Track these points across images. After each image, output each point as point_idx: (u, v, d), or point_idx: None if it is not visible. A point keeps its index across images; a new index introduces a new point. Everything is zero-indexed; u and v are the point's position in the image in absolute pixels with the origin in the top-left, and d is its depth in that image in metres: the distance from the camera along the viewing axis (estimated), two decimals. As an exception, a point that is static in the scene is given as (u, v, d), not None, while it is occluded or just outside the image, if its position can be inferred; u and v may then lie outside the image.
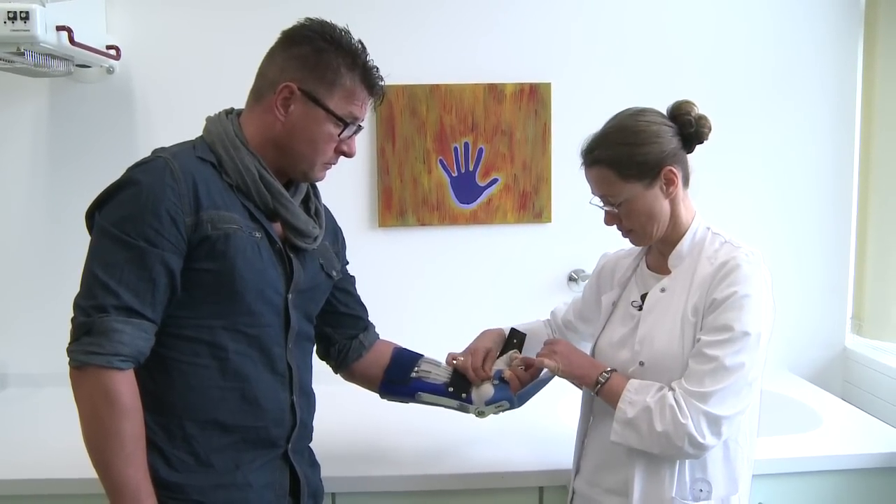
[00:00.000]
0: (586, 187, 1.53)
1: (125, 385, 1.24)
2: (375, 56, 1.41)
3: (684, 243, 1.49)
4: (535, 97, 2.41)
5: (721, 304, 1.37)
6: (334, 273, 1.57)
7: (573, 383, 1.56)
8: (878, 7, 2.46)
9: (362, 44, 1.40)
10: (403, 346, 1.76)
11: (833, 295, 2.58)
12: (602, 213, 1.53)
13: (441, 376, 1.69)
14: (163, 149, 1.36)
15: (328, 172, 1.46)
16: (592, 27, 2.44)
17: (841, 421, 2.08)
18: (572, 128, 2.41)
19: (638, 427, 1.38)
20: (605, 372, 1.46)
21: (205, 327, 1.33)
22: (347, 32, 1.39)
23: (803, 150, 2.52)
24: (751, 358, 1.35)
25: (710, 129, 1.48)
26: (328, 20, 1.40)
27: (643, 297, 1.53)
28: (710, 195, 2.31)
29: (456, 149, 2.42)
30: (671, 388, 1.38)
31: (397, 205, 2.42)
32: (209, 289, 1.32)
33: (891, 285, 2.47)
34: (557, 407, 2.07)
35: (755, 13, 2.48)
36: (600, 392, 1.46)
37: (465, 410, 1.67)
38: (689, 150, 1.50)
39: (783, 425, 1.96)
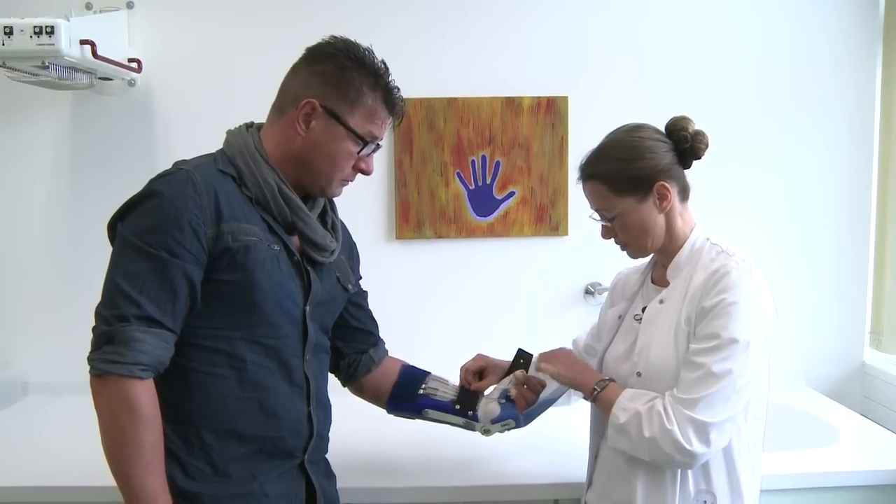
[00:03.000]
0: None
1: (145, 394, 1.25)
2: (393, 69, 1.43)
3: (682, 254, 1.50)
4: (552, 110, 2.42)
5: (710, 311, 1.38)
6: (350, 286, 1.59)
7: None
8: (896, 21, 2.45)
9: (385, 64, 1.42)
10: (411, 364, 1.76)
11: (851, 309, 2.57)
12: (600, 228, 1.56)
13: (448, 394, 1.70)
14: (184, 161, 1.38)
15: (346, 186, 1.48)
16: (609, 41, 2.45)
17: (859, 436, 2.06)
18: (589, 141, 2.41)
19: (628, 432, 1.39)
20: (601, 380, 1.47)
21: (223, 338, 1.34)
22: (371, 52, 1.41)
23: (820, 165, 2.52)
24: (739, 365, 1.35)
25: (706, 146, 1.49)
26: (352, 39, 1.42)
27: (644, 309, 1.54)
28: (726, 209, 2.32)
29: (473, 162, 2.43)
30: (662, 397, 1.39)
31: (415, 217, 2.43)
32: (229, 300, 1.33)
33: None
34: (573, 420, 2.06)
35: (772, 27, 2.48)
36: (596, 399, 1.46)
37: (472, 428, 1.68)
38: (686, 165, 1.51)
39: (801, 441, 1.95)
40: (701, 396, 1.34)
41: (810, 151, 2.51)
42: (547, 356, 1.58)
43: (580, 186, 2.33)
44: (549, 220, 2.46)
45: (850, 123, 2.51)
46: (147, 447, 1.24)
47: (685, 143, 1.48)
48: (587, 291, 2.50)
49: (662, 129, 1.51)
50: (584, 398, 1.52)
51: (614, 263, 2.40)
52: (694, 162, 1.52)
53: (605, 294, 2.37)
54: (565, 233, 2.47)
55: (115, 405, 1.23)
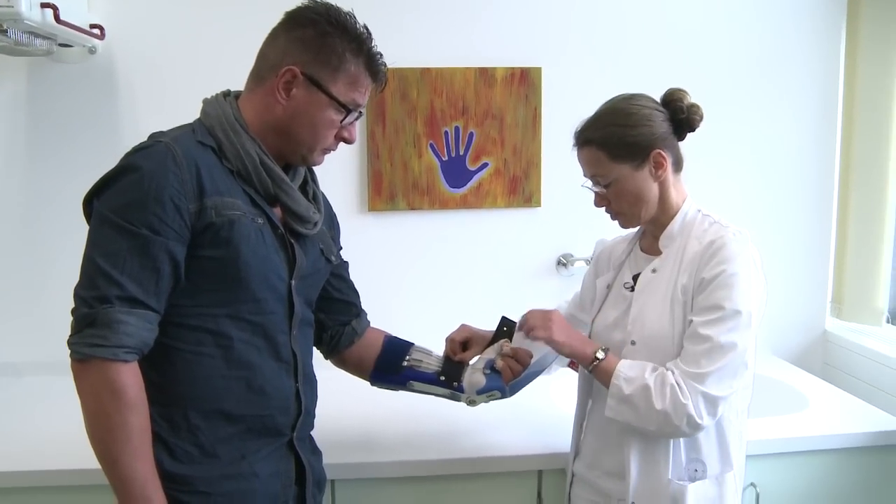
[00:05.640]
0: (576, 172, 1.55)
1: (131, 377, 1.21)
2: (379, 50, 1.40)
3: (675, 224, 1.51)
4: (525, 82, 2.41)
5: (710, 282, 1.39)
6: (333, 258, 1.57)
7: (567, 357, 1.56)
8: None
9: (367, 29, 1.38)
10: (394, 335, 1.75)
11: (814, 279, 2.63)
12: (592, 197, 1.55)
13: (432, 365, 1.68)
14: (162, 133, 1.33)
15: None
16: (582, 14, 2.44)
17: (826, 402, 2.11)
18: (562, 113, 2.45)
19: (635, 404, 1.39)
20: (601, 349, 1.47)
21: (209, 316, 1.31)
22: (353, 16, 1.37)
23: (787, 139, 2.55)
24: (743, 336, 1.37)
25: (701, 118, 1.50)
26: (332, 2, 1.38)
27: (635, 277, 1.55)
28: (694, 182, 2.34)
29: (446, 133, 2.41)
30: (668, 369, 1.39)
31: (387, 189, 2.40)
32: (213, 277, 1.30)
33: (869, 270, 2.53)
34: (550, 390, 2.08)
35: (740, 2, 2.50)
36: (595, 369, 1.46)
37: (457, 399, 1.67)
38: (680, 137, 1.52)
39: (770, 407, 1.99)
40: (711, 370, 1.36)
41: (777, 126, 2.55)
42: (539, 318, 1.51)
43: (553, 158, 2.44)
44: (522, 191, 2.46)
45: (815, 99, 2.55)
46: (134, 432, 1.21)
47: (681, 114, 1.49)
48: (559, 263, 2.51)
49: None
50: (578, 367, 1.51)
51: (587, 235, 2.43)
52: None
53: (578, 265, 2.48)
54: (538, 204, 2.48)
55: (100, 390, 1.19)
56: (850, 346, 2.52)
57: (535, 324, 1.51)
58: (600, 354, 1.46)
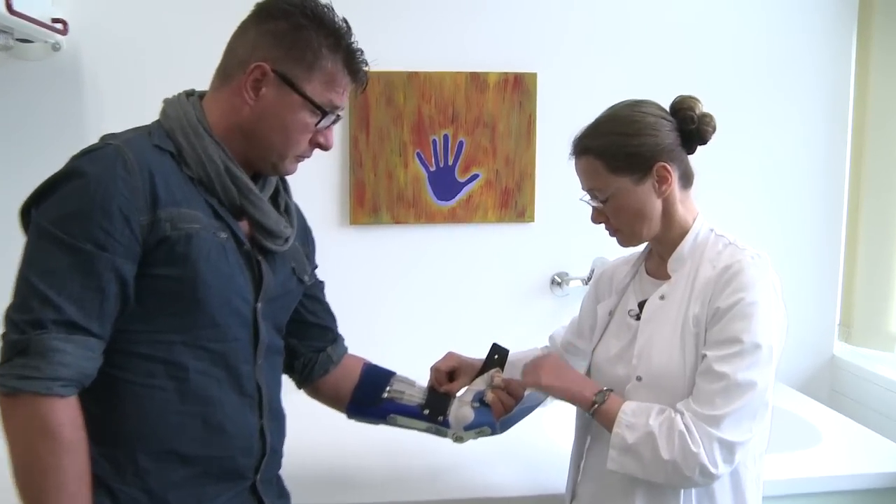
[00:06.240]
0: (572, 185, 1.45)
1: (67, 414, 1.08)
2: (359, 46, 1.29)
3: (685, 245, 1.39)
4: (519, 88, 2.32)
5: (726, 312, 1.27)
6: (306, 278, 1.45)
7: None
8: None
9: (347, 23, 1.27)
10: (374, 363, 1.64)
11: (821, 300, 2.54)
12: (590, 211, 1.44)
13: (415, 397, 1.57)
14: (113, 135, 1.21)
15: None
16: (580, 16, 2.36)
17: (839, 436, 2.00)
18: (558, 121, 2.38)
19: (639, 454, 1.26)
20: (601, 391, 1.34)
21: (162, 343, 1.19)
22: (331, 9, 1.26)
23: (794, 152, 2.49)
24: (763, 373, 1.25)
25: (714, 130, 1.39)
26: None
27: (641, 304, 1.42)
28: (698, 200, 2.27)
29: (434, 141, 2.31)
30: (677, 411, 1.26)
31: (370, 200, 2.30)
32: (167, 298, 1.18)
33: (881, 290, 2.43)
34: (544, 423, 1.94)
35: (748, 4, 2.43)
36: (596, 413, 1.33)
37: (442, 435, 1.56)
38: (690, 150, 1.41)
39: (780, 441, 1.87)
40: (728, 412, 1.22)
41: (782, 137, 2.48)
42: (531, 367, 1.42)
43: (548, 169, 2.34)
44: (514, 205, 2.36)
45: (824, 110, 2.49)
46: (70, 477, 1.07)
47: (690, 125, 1.37)
48: (554, 282, 2.42)
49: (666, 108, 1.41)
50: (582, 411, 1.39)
51: (584, 253, 2.36)
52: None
53: (574, 284, 2.38)
54: (532, 219, 2.39)
55: (30, 429, 1.06)
56: (859, 371, 2.42)
57: (525, 369, 1.42)
58: (599, 398, 1.33)
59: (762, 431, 1.33)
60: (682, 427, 1.23)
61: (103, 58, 2.17)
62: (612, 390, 1.35)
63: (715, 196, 2.31)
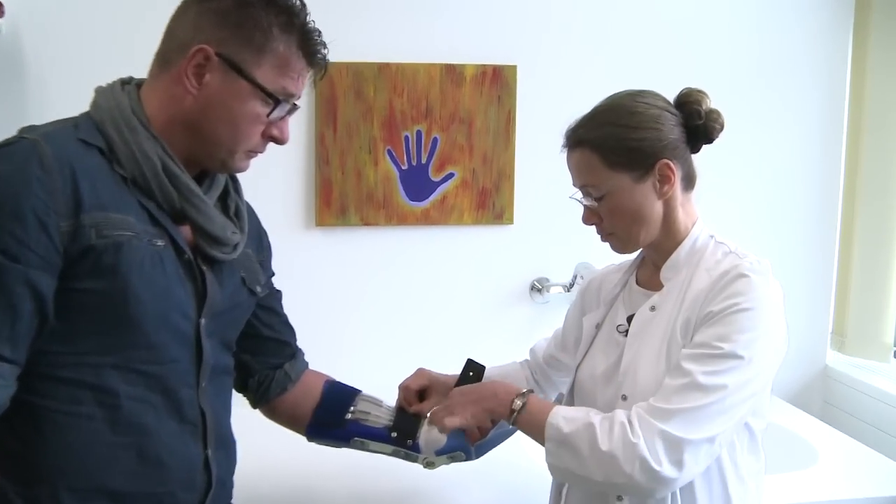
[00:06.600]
0: (554, 185, 1.38)
1: None
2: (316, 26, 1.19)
3: (681, 252, 1.29)
4: (498, 81, 2.24)
5: (715, 316, 1.18)
6: (258, 288, 1.35)
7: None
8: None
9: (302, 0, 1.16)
10: (337, 380, 1.54)
11: (814, 309, 2.48)
12: (581, 212, 1.33)
13: (382, 418, 1.48)
14: (32, 128, 1.09)
15: (254, 161, 1.23)
16: (564, 4, 2.29)
17: (836, 455, 1.92)
18: (540, 118, 2.27)
19: (576, 446, 1.15)
20: (519, 396, 1.23)
21: (88, 366, 1.08)
22: None
23: (787, 155, 2.45)
24: (736, 381, 1.14)
25: (721, 127, 1.30)
26: None
27: (629, 318, 1.32)
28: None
29: (407, 138, 2.23)
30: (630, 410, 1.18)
31: (338, 201, 2.21)
32: (94, 315, 1.07)
33: (876, 298, 2.38)
34: (523, 441, 1.82)
35: (742, 2, 2.39)
36: (518, 419, 1.23)
37: (412, 460, 1.48)
38: (695, 148, 1.31)
39: (777, 461, 1.79)
40: (679, 409, 1.12)
41: (775, 139, 2.43)
42: (441, 412, 1.31)
43: (528, 169, 2.24)
44: (492, 206, 2.29)
45: (819, 113, 2.45)
46: None
47: (697, 120, 1.27)
48: (533, 288, 2.33)
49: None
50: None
51: (565, 257, 2.26)
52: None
53: (555, 291, 2.28)
54: (510, 221, 2.31)
55: None
56: (852, 383, 2.37)
57: (435, 416, 1.32)
58: (518, 400, 1.23)
59: (756, 450, 1.25)
60: (624, 419, 1.14)
61: (45, 42, 2.04)
62: (531, 391, 1.26)
63: (704, 200, 2.24)
